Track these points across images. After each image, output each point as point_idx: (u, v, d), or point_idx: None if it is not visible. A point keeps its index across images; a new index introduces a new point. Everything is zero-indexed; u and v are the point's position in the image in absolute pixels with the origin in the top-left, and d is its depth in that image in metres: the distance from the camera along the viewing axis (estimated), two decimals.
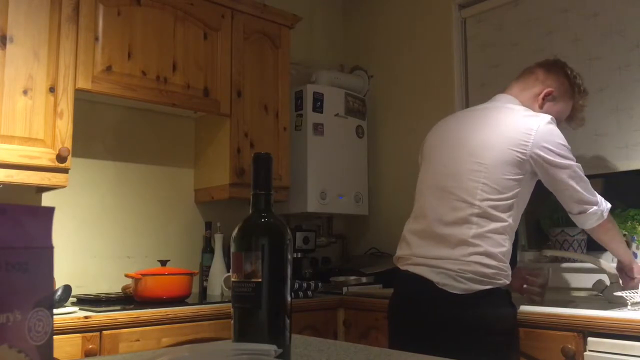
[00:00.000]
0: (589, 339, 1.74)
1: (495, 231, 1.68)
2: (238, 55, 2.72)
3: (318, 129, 3.02)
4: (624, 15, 2.42)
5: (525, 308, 1.92)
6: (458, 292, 1.65)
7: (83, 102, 2.40)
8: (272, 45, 2.88)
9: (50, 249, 0.58)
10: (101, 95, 2.33)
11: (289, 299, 0.89)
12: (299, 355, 1.02)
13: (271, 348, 0.80)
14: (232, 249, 0.90)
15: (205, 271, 2.75)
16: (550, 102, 1.92)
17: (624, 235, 2.22)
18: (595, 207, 1.79)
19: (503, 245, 1.69)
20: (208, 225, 2.83)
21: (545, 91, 1.91)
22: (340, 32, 3.66)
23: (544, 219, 2.46)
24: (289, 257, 0.90)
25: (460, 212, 1.71)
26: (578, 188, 1.77)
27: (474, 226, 1.68)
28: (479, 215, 1.69)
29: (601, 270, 2.11)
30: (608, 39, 2.46)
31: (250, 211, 0.91)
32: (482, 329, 1.64)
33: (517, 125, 1.74)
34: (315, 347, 1.12)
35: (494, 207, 1.69)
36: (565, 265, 2.41)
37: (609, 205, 1.85)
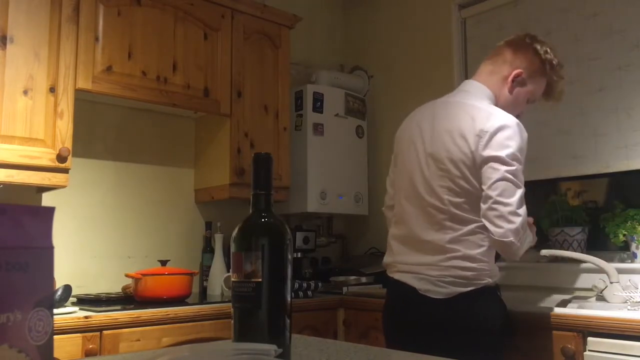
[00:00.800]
0: (589, 338, 1.74)
1: (470, 233, 1.66)
2: (238, 55, 2.72)
3: (318, 129, 3.02)
4: (623, 15, 2.42)
5: (525, 308, 1.92)
6: (440, 297, 1.65)
7: (83, 102, 2.40)
8: (272, 45, 2.88)
9: (50, 249, 0.58)
10: (101, 95, 2.33)
11: (289, 299, 0.89)
12: (299, 355, 1.02)
13: (271, 348, 0.80)
14: (232, 249, 0.90)
15: (205, 271, 2.76)
16: (520, 84, 1.83)
17: (624, 235, 2.23)
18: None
19: (481, 246, 1.66)
20: (208, 225, 2.83)
21: (514, 73, 1.81)
22: (340, 32, 3.67)
23: (543, 219, 2.46)
24: (289, 257, 0.90)
25: (434, 217, 1.71)
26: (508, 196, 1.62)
27: (448, 231, 1.68)
28: (450, 220, 1.68)
29: (601, 270, 2.11)
30: (608, 39, 2.46)
31: (250, 211, 0.91)
32: (466, 330, 1.63)
33: (473, 126, 1.67)
34: (315, 347, 1.12)
35: (463, 209, 1.67)
36: (565, 265, 2.41)
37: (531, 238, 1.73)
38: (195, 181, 2.89)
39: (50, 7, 2.16)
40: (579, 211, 2.42)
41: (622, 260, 2.32)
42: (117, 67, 2.32)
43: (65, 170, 2.15)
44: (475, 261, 1.65)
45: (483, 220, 1.64)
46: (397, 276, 1.78)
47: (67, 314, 1.89)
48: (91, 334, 1.89)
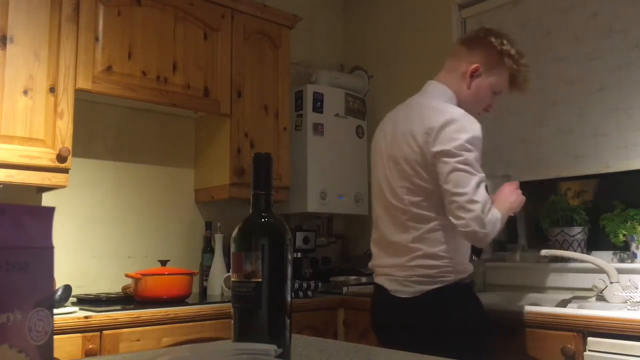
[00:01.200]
0: (589, 338, 1.74)
1: (431, 230, 1.68)
2: (238, 55, 2.72)
3: (318, 129, 3.02)
4: (623, 15, 2.42)
5: (525, 308, 1.92)
6: (408, 296, 1.68)
7: (83, 102, 2.40)
8: (272, 45, 2.88)
9: (50, 249, 0.58)
10: (101, 95, 2.33)
11: (289, 299, 0.89)
12: (299, 355, 1.02)
13: (271, 348, 0.80)
14: (232, 249, 0.90)
15: (205, 271, 2.75)
16: (478, 79, 1.81)
17: (624, 235, 2.23)
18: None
19: (443, 243, 1.68)
20: (208, 225, 2.83)
21: (470, 69, 1.80)
22: (340, 32, 3.66)
23: (543, 219, 2.46)
24: (289, 257, 0.90)
25: (398, 219, 1.74)
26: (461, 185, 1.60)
27: (412, 230, 1.70)
28: (412, 219, 1.70)
29: (601, 270, 2.11)
30: (608, 39, 2.46)
31: (250, 211, 0.91)
32: (437, 330, 1.63)
33: (421, 125, 1.68)
34: (315, 347, 1.12)
35: (422, 208, 1.69)
36: (565, 265, 2.41)
37: (497, 215, 1.65)
38: (195, 181, 2.89)
39: (50, 7, 2.16)
40: (579, 211, 2.42)
41: (622, 260, 2.32)
42: (117, 67, 2.32)
43: (65, 170, 2.15)
44: (437, 258, 1.67)
45: (448, 216, 1.65)
46: (376, 279, 1.84)
47: (67, 314, 1.89)
48: (91, 334, 1.89)
